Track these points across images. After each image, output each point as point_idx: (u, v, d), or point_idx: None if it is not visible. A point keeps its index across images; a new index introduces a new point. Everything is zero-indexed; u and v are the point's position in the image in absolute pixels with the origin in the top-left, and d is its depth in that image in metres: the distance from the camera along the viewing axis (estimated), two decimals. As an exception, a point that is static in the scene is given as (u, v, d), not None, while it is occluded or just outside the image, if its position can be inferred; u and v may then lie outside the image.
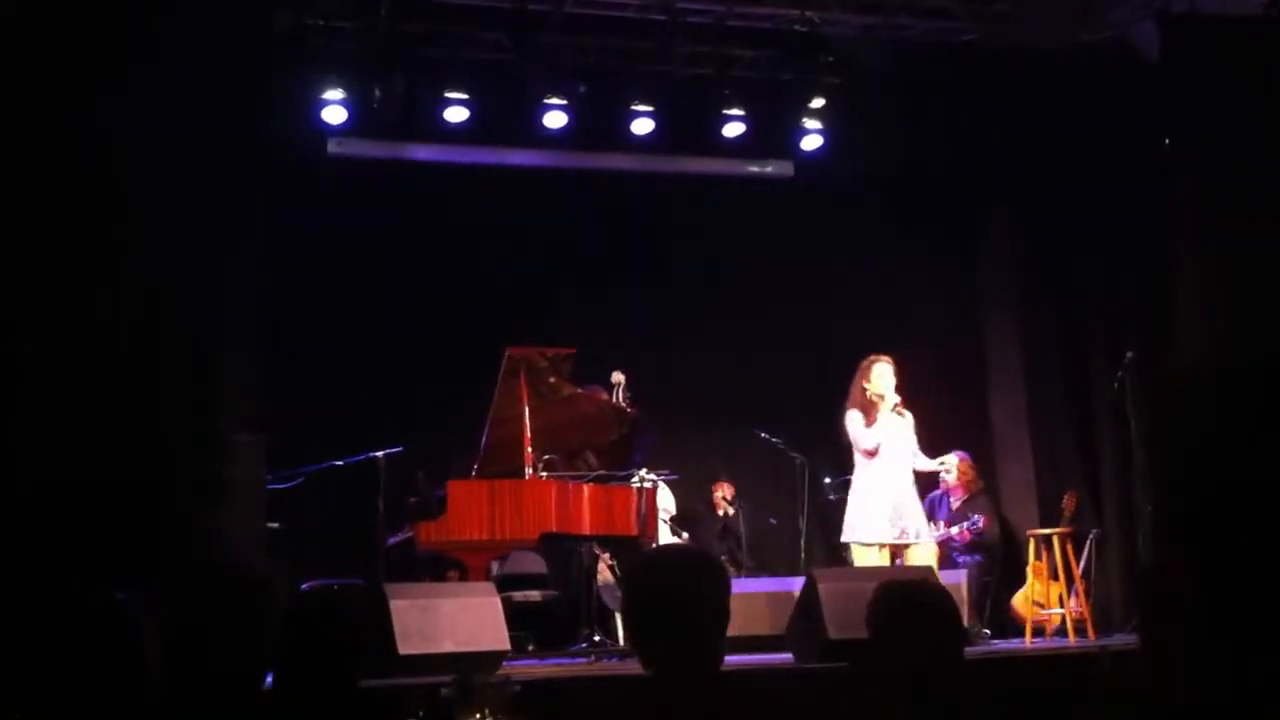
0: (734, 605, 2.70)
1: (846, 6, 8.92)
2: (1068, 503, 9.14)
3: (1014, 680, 6.04)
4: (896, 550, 7.35)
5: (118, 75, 6.34)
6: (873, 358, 7.58)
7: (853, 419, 7.48)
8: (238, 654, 3.00)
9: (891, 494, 7.36)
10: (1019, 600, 8.82)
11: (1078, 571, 8.34)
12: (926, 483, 8.74)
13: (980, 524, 8.86)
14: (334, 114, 8.86)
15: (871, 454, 7.41)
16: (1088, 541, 8.89)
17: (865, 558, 7.33)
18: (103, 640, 2.42)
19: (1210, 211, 8.20)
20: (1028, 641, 8.13)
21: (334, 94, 8.78)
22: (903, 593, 3.07)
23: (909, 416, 7.54)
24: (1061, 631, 8.25)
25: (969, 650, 6.92)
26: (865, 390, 7.49)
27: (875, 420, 7.43)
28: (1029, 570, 8.61)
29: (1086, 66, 9.06)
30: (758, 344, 9.93)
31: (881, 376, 7.49)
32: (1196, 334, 8.24)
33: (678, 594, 2.60)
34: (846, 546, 7.51)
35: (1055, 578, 8.36)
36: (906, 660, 2.95)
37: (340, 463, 7.46)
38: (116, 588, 2.52)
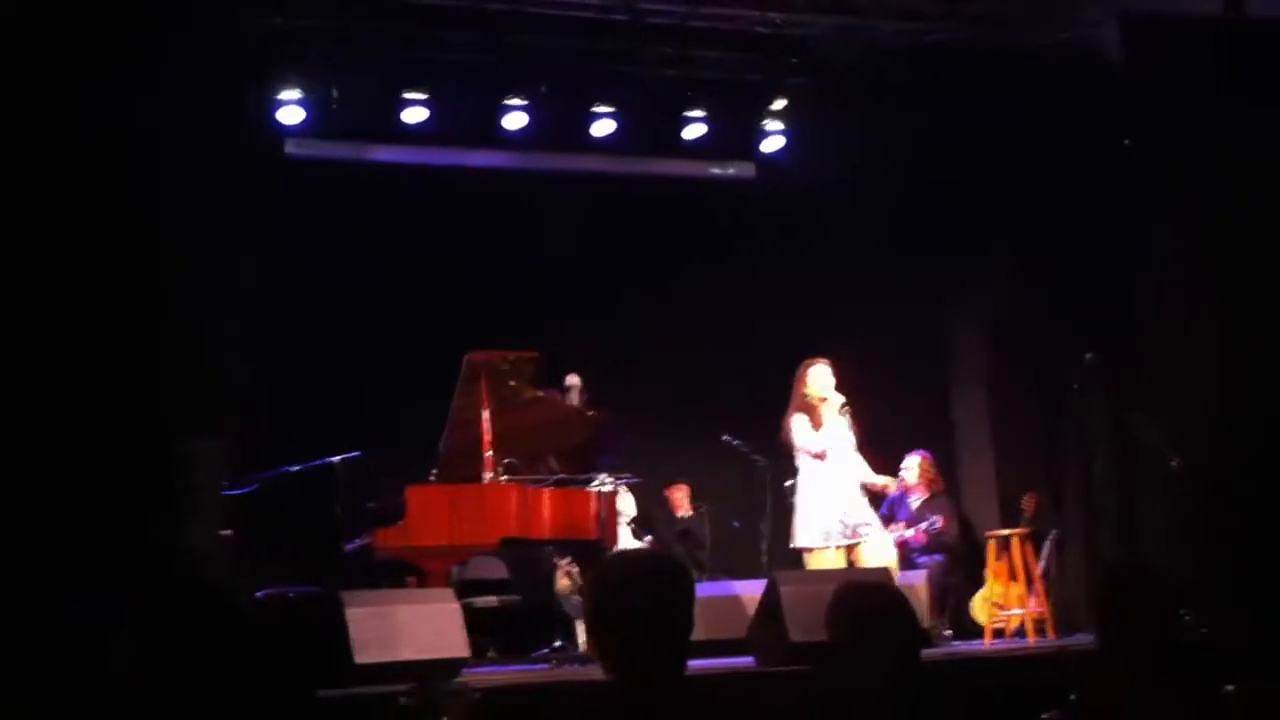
0: (696, 609, 2.67)
1: (814, 7, 8.90)
2: (1028, 503, 9.18)
3: (974, 681, 6.03)
4: (850, 549, 7.33)
5: (72, 74, 6.25)
6: (808, 360, 7.56)
7: (798, 423, 7.45)
8: (202, 663, 2.94)
9: (840, 495, 7.35)
10: (978, 601, 8.83)
11: (1037, 572, 8.36)
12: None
13: (938, 525, 8.87)
14: (291, 114, 8.79)
15: (821, 456, 7.39)
16: (1047, 542, 8.92)
17: (820, 560, 7.31)
18: (71, 651, 2.36)
19: (1175, 211, 8.26)
20: (988, 642, 8.15)
21: (291, 94, 8.71)
22: (859, 596, 3.08)
23: (847, 415, 7.52)
24: (1022, 632, 8.27)
25: (929, 651, 6.93)
26: (805, 394, 7.47)
27: (821, 423, 7.41)
28: (988, 572, 8.63)
29: (1056, 68, 9.09)
30: (719, 346, 9.92)
31: (818, 378, 7.47)
32: (1161, 335, 8.31)
33: (641, 599, 2.57)
34: (799, 552, 7.47)
35: (1014, 578, 8.37)
36: (864, 663, 2.96)
37: (296, 469, 7.38)
38: (85, 599, 2.47)
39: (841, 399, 7.42)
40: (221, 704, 3.00)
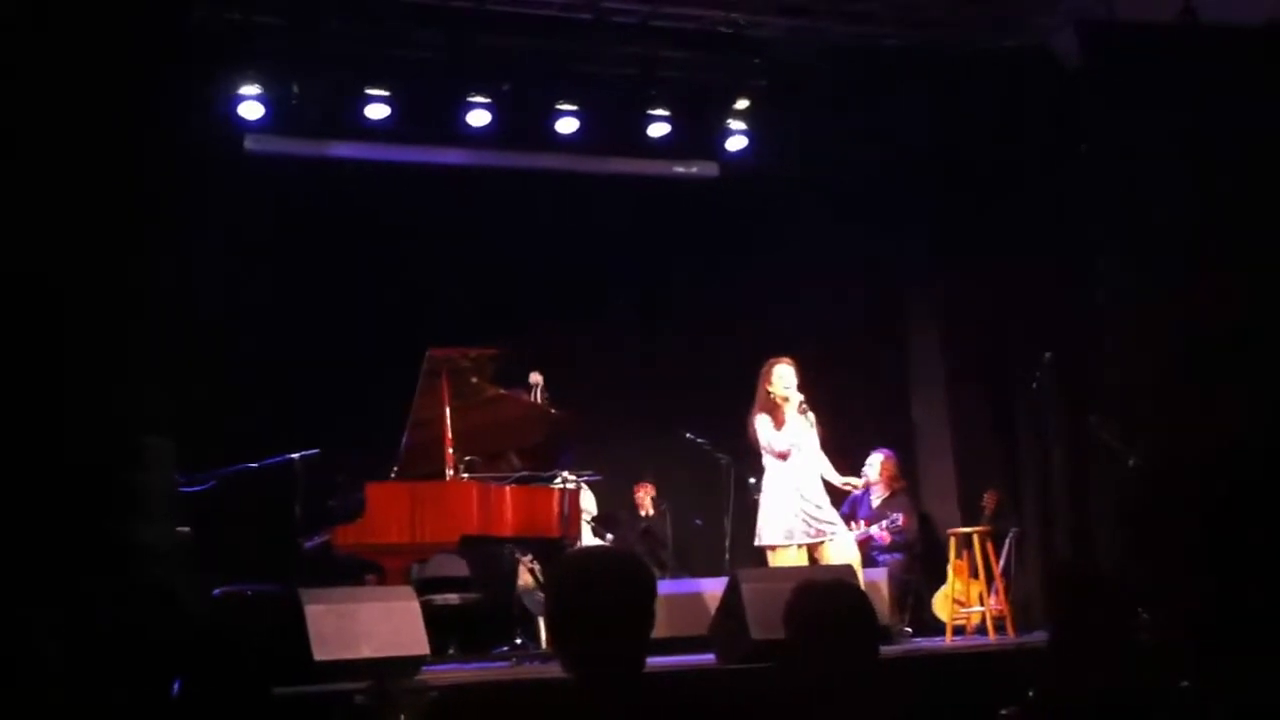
0: (657, 607, 2.67)
1: (773, 9, 8.93)
2: (988, 501, 9.24)
3: (934, 678, 6.06)
4: (814, 548, 7.35)
5: (29, 68, 6.18)
6: (772, 360, 7.58)
7: (762, 423, 7.47)
8: (146, 664, 2.91)
9: (804, 494, 7.37)
10: (940, 598, 8.89)
11: (997, 569, 8.42)
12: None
13: (899, 522, 8.91)
14: (251, 110, 8.73)
15: (784, 456, 7.41)
16: (1007, 540, 8.98)
17: (784, 558, 7.33)
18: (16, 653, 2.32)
19: (1132, 212, 8.33)
20: (948, 640, 8.19)
21: (251, 89, 8.65)
22: (817, 594, 3.08)
23: (812, 416, 7.54)
24: (982, 629, 8.32)
25: (890, 649, 6.97)
26: (769, 393, 7.49)
27: (783, 422, 7.44)
28: (949, 569, 8.68)
29: (1011, 72, 9.15)
30: (682, 344, 9.93)
31: (782, 378, 7.50)
32: (1118, 335, 8.37)
33: (602, 597, 2.57)
34: (763, 550, 7.49)
35: (975, 576, 8.43)
36: (822, 661, 2.95)
37: (256, 465, 7.33)
38: (19, 604, 2.43)
39: (800, 398, 7.45)
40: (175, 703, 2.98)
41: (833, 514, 7.50)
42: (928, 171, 10.00)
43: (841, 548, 7.38)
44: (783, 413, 7.45)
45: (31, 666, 2.36)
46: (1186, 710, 3.46)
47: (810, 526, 7.32)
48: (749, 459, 8.08)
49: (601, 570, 2.65)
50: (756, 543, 7.50)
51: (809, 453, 7.49)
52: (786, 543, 7.33)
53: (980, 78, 9.27)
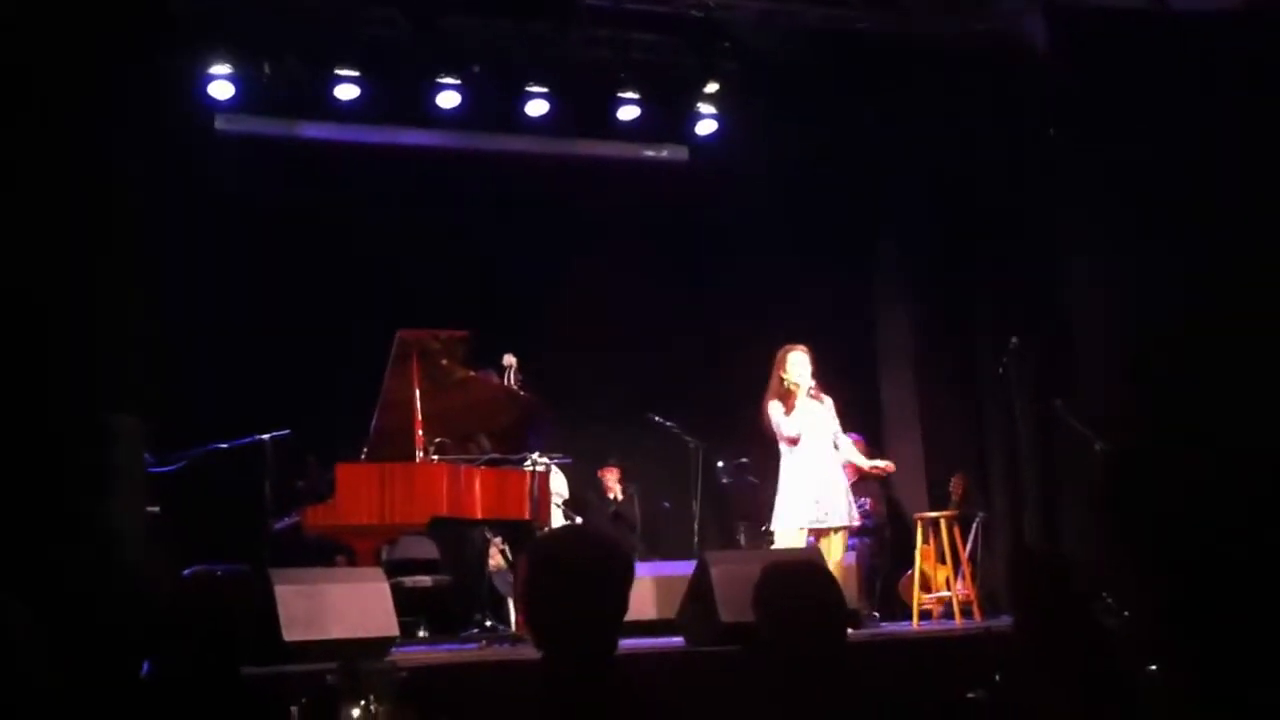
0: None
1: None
2: (955, 486, 9.29)
3: (901, 662, 6.10)
4: (820, 533, 7.35)
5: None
6: (787, 347, 7.58)
7: (774, 409, 7.48)
8: (117, 644, 2.89)
9: (816, 479, 7.36)
10: (907, 583, 8.94)
11: (964, 554, 8.47)
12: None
13: (867, 506, 8.95)
14: (222, 89, 8.68)
15: (794, 441, 7.41)
16: (974, 525, 9.04)
17: (788, 542, 7.34)
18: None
19: (1100, 197, 8.38)
20: (915, 624, 8.25)
21: (221, 69, 8.59)
22: (785, 575, 3.08)
23: (828, 401, 7.54)
24: (949, 614, 8.38)
25: (857, 633, 7.00)
26: (783, 379, 7.50)
27: (794, 408, 7.45)
28: (917, 553, 8.73)
29: (978, 56, 9.17)
30: (651, 328, 9.93)
31: (796, 365, 7.51)
32: (1086, 319, 8.44)
33: (576, 577, 2.55)
34: (757, 531, 7.50)
35: (943, 561, 8.48)
36: (790, 642, 2.96)
37: (225, 445, 7.30)
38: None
39: (812, 384, 7.45)
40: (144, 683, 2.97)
41: (843, 503, 7.39)
42: (897, 156, 10.03)
43: (841, 538, 7.39)
44: (794, 399, 7.46)
45: (4, 649, 2.35)
46: (1152, 694, 3.50)
47: (820, 509, 7.31)
48: (718, 441, 8.11)
49: (577, 550, 2.63)
50: (770, 526, 7.50)
51: (824, 437, 7.48)
52: (797, 527, 7.33)
53: (948, 61, 9.28)
